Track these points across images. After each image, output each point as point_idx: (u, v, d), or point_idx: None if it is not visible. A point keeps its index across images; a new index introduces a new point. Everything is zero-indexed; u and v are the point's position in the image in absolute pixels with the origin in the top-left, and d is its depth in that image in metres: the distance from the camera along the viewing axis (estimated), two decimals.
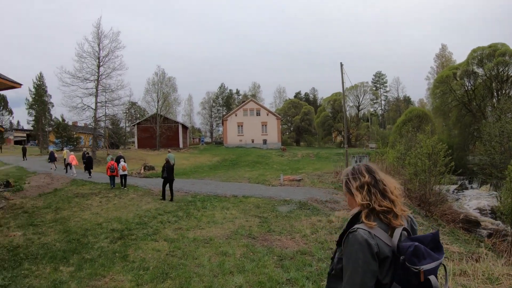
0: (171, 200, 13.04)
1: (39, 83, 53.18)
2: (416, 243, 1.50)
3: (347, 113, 62.02)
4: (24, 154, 31.22)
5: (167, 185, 13.40)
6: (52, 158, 22.65)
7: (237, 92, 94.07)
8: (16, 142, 56.74)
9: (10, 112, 61.03)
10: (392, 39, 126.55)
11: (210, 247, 7.31)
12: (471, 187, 29.39)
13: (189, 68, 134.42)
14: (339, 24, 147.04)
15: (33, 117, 53.79)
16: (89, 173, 19.89)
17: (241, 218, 10.22)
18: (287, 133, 73.80)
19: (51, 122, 55.23)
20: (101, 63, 32.37)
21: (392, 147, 24.86)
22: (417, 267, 1.45)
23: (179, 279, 5.52)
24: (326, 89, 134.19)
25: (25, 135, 64.98)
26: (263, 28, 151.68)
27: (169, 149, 24.98)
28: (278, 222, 9.62)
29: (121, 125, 62.96)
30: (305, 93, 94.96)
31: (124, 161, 16.69)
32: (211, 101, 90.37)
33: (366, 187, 1.70)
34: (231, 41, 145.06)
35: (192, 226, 9.24)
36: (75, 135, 50.72)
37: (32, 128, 57.70)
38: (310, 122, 68.16)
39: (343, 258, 1.63)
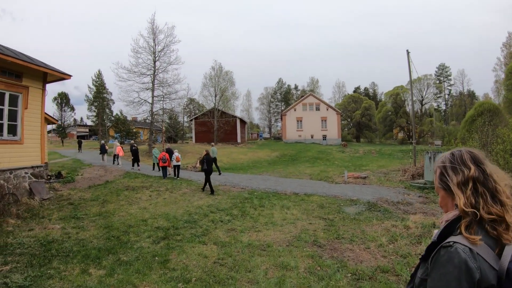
0: (203, 190, 13.54)
1: (98, 80, 57.10)
2: None
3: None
4: (79, 147, 34.77)
5: (210, 177, 13.64)
6: (103, 150, 24.65)
7: (296, 87, 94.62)
8: (79, 137, 61.69)
9: (72, 109, 66.31)
10: (455, 29, 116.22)
11: (267, 255, 6.16)
12: None
13: (247, 63, 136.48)
14: (398, 15, 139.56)
15: (94, 113, 57.89)
16: (137, 164, 21.03)
17: (304, 219, 9.04)
18: (346, 129, 73.23)
19: (111, 118, 59.11)
20: (156, 58, 33.38)
21: (463, 144, 22.38)
22: None
23: None
24: (386, 84, 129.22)
25: (87, 130, 70.75)
26: (321, 21, 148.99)
27: (212, 143, 25.18)
28: (347, 226, 8.31)
29: (179, 119, 65.32)
30: (365, 87, 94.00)
31: (177, 153, 17.40)
32: (269, 97, 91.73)
33: (471, 184, 1.30)
34: (288, 35, 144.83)
35: (247, 228, 8.21)
36: (134, 130, 53.47)
37: (93, 124, 62.31)
38: (371, 118, 66.93)
39: (428, 280, 1.28)
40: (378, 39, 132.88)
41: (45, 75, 12.29)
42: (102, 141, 28.94)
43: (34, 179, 11.67)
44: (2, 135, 10.74)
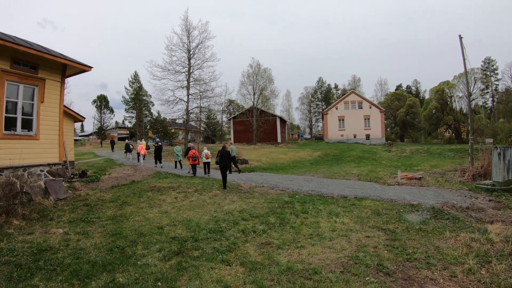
0: (224, 188, 13.06)
1: (134, 81, 58.14)
2: None
3: (456, 104, 57.42)
4: (112, 147, 35.97)
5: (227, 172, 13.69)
6: (127, 149, 25.14)
7: (336, 86, 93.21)
8: (120, 139, 63.23)
9: (111, 111, 68.06)
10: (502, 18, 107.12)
11: None
12: None
13: (287, 63, 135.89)
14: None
15: (134, 114, 59.01)
16: (156, 162, 21.37)
17: (358, 231, 7.16)
18: (389, 129, 70.91)
19: (151, 119, 59.98)
20: (191, 55, 32.81)
21: None
22: None
23: None
24: (428, 81, 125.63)
25: (127, 132, 72.54)
26: (361, 19, 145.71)
27: (231, 141, 24.73)
28: (414, 241, 6.39)
29: (217, 119, 65.17)
30: (407, 85, 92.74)
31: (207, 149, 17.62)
32: (310, 96, 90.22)
33: None
34: (328, 34, 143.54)
35: (287, 241, 6.55)
36: (172, 130, 53.68)
37: (131, 125, 63.67)
38: (415, 116, 64.87)
39: None
40: (419, 33, 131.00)
41: (63, 67, 11.56)
42: (127, 140, 29.19)
43: (51, 178, 10.88)
44: (15, 130, 10.00)
